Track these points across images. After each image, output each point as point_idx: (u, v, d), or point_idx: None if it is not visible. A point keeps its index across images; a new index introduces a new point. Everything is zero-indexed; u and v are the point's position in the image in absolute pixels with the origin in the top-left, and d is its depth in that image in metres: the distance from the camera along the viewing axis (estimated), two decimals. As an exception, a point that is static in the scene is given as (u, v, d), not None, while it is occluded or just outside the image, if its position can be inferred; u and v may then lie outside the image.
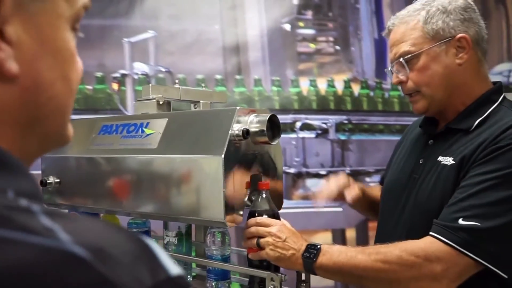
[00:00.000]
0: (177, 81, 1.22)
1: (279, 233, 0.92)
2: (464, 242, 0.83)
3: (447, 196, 0.93)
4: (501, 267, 0.84)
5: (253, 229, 0.94)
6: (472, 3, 1.02)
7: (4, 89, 0.31)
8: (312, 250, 0.91)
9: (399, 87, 1.10)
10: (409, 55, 0.99)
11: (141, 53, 2.00)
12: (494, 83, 1.04)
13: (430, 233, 0.87)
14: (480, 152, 0.90)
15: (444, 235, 0.84)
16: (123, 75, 1.98)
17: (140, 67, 1.99)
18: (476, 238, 0.83)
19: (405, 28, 1.00)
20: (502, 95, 1.01)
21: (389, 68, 1.08)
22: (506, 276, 0.84)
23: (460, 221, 0.84)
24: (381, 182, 1.31)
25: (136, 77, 2.00)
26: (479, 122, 0.96)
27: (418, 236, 0.95)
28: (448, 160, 0.96)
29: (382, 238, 1.09)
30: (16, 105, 0.32)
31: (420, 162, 1.04)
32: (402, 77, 1.02)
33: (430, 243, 0.85)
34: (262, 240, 0.91)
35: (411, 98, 1.04)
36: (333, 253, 0.91)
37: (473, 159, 0.91)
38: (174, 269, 0.29)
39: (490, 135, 0.91)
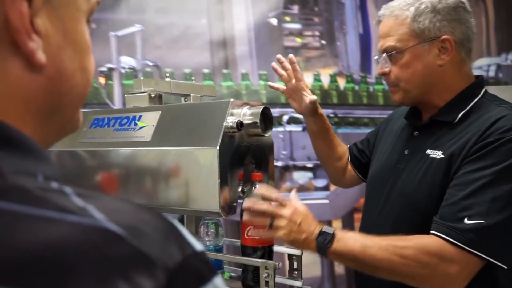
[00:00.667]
0: (167, 74, 1.23)
1: (294, 216, 0.92)
2: (473, 242, 0.86)
3: (436, 188, 0.96)
4: (503, 260, 0.87)
5: (268, 207, 0.93)
6: (464, 1, 1.03)
7: (32, 78, 0.32)
8: (326, 236, 0.92)
9: (383, 80, 1.14)
10: (394, 51, 1.02)
11: (128, 47, 1.99)
12: (477, 76, 1.07)
13: (438, 234, 0.89)
14: (470, 148, 0.92)
15: (454, 236, 0.87)
16: (110, 69, 1.97)
17: (127, 61, 1.98)
18: (482, 236, 0.86)
19: (394, 22, 1.02)
20: (484, 89, 1.04)
21: (376, 58, 1.12)
22: (506, 267, 0.88)
23: (466, 221, 0.86)
24: (349, 148, 1.35)
25: (123, 71, 1.99)
26: (463, 115, 0.99)
27: (404, 226, 0.98)
28: (437, 154, 0.98)
29: (367, 226, 1.12)
30: (41, 94, 0.33)
31: (405, 153, 1.07)
32: (386, 69, 1.06)
33: (442, 245, 0.87)
34: (277, 223, 0.91)
35: (390, 89, 1.09)
36: (347, 240, 0.91)
37: (463, 155, 0.93)
38: (198, 245, 0.31)
39: (478, 129, 0.94)
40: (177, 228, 0.31)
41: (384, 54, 1.03)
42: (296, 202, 0.96)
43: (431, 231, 0.90)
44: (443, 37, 0.98)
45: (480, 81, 1.05)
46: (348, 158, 1.35)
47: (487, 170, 0.89)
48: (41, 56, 0.32)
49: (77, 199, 0.28)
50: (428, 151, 1.00)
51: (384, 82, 2.27)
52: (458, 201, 0.89)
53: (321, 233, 0.92)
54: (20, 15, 0.31)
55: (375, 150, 1.24)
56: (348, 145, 1.38)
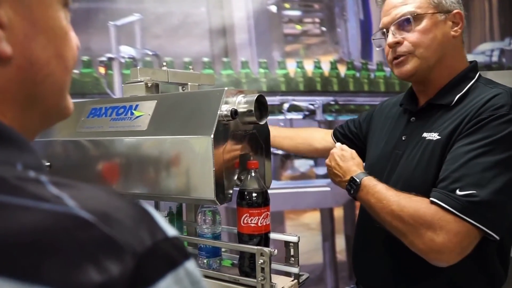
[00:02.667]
0: (164, 63, 1.23)
1: (334, 159, 1.13)
2: (465, 210, 0.87)
3: (432, 170, 0.97)
4: (496, 230, 0.88)
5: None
6: None
7: (0, 70, 0.33)
8: (353, 185, 1.05)
9: (385, 54, 1.12)
10: (415, 15, 1.02)
11: (128, 37, 1.99)
12: (470, 62, 1.09)
13: (433, 199, 0.91)
14: (464, 126, 0.94)
15: (447, 202, 0.88)
16: (110, 59, 1.97)
17: (126, 51, 1.98)
18: (474, 205, 0.87)
19: None
20: (478, 73, 1.07)
21: (379, 33, 1.11)
22: (498, 238, 0.89)
23: (458, 192, 0.88)
24: (335, 133, 1.40)
25: (123, 60, 1.99)
26: (459, 98, 1.01)
27: None
28: (433, 136, 0.99)
29: (365, 215, 1.13)
30: (13, 84, 0.34)
31: (403, 139, 1.08)
32: (399, 37, 1.04)
33: (436, 211, 0.89)
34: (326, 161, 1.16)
35: (399, 60, 1.06)
36: (369, 189, 1.02)
37: (457, 133, 0.94)
38: (171, 230, 0.31)
39: (472, 109, 0.95)
40: (150, 214, 0.31)
41: (409, 16, 1.03)
42: (339, 147, 1.14)
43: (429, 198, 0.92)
44: (456, 11, 1.04)
45: (474, 65, 1.08)
46: (332, 137, 1.41)
47: (477, 143, 0.90)
48: (5, 48, 0.32)
49: (52, 188, 0.29)
50: (425, 134, 1.02)
51: (385, 68, 2.26)
52: (449, 174, 0.91)
53: (351, 179, 1.06)
54: None
55: (370, 137, 1.25)
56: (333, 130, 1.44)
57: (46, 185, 0.29)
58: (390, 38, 1.06)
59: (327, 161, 1.14)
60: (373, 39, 1.16)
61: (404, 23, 1.03)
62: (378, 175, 1.10)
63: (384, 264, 1.08)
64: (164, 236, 0.30)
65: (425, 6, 1.03)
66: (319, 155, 1.52)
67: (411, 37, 1.03)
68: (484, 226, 0.87)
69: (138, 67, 1.14)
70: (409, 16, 1.03)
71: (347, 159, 1.10)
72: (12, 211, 0.27)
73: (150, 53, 2.00)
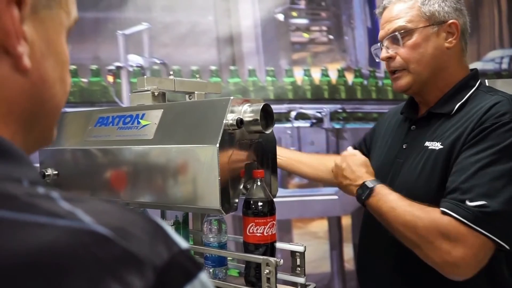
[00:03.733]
0: (171, 72, 1.23)
1: (343, 162, 1.09)
2: (478, 220, 0.85)
3: (435, 179, 0.96)
4: (507, 240, 0.87)
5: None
6: None
7: (17, 81, 0.34)
8: (365, 189, 1.02)
9: (386, 66, 1.12)
10: (404, 31, 1.02)
11: (136, 45, 2.01)
12: (471, 70, 1.08)
13: (444, 209, 0.89)
14: (467, 135, 0.93)
15: (459, 213, 0.87)
16: (118, 68, 1.99)
17: (134, 59, 2.00)
18: (486, 215, 0.85)
19: (402, 6, 1.04)
20: (479, 81, 1.06)
21: (379, 45, 1.11)
22: (509, 248, 0.88)
23: (468, 203, 0.86)
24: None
25: (131, 69, 2.01)
26: (459, 106, 1.01)
27: None
28: (435, 145, 0.99)
29: (370, 220, 1.12)
30: (24, 98, 0.35)
31: (404, 147, 1.08)
32: (391, 52, 1.04)
33: (449, 222, 0.88)
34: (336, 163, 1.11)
35: (394, 75, 1.07)
36: (381, 198, 0.99)
37: (461, 143, 0.94)
38: (183, 243, 0.32)
39: (474, 117, 0.94)
40: (162, 227, 0.31)
41: (396, 33, 1.03)
42: (352, 151, 1.12)
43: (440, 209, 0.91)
44: (451, 21, 1.02)
45: (475, 73, 1.07)
46: None
47: (484, 152, 0.89)
48: (27, 61, 0.33)
49: (65, 203, 0.29)
50: (427, 143, 1.01)
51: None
52: (458, 186, 0.90)
53: (363, 185, 1.02)
54: (12, 19, 0.32)
55: (372, 149, 1.25)
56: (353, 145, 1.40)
57: (58, 201, 0.30)
58: (384, 53, 1.07)
59: (337, 161, 1.11)
60: (373, 51, 1.17)
61: (396, 38, 1.04)
62: None
63: (388, 271, 1.07)
64: (179, 249, 0.31)
65: (416, 20, 1.02)
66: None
67: (402, 52, 1.04)
68: (497, 237, 0.86)
69: (145, 76, 1.15)
70: (397, 33, 1.03)
71: (361, 165, 1.08)
72: (28, 229, 0.27)
73: (158, 61, 2.02)
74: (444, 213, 0.89)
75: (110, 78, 1.98)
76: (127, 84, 2.00)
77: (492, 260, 0.94)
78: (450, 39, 1.03)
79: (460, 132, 0.95)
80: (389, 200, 0.97)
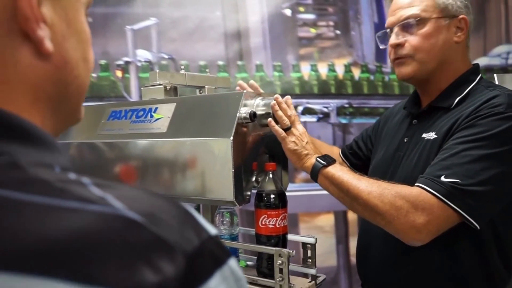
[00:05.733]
0: (182, 67, 1.25)
1: (304, 135, 1.02)
2: (449, 195, 0.87)
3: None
4: (477, 218, 0.89)
5: (288, 110, 1.00)
6: None
7: (40, 67, 0.33)
8: (328, 159, 1.00)
9: (388, 53, 1.12)
10: (418, 18, 1.02)
11: (144, 40, 2.02)
12: (473, 64, 1.09)
13: (418, 184, 0.91)
14: (460, 122, 0.95)
15: (432, 186, 0.89)
16: (127, 63, 2.00)
17: (143, 54, 2.01)
18: (457, 192, 0.87)
19: None
20: (479, 76, 1.07)
21: (385, 31, 1.11)
22: (478, 227, 0.90)
23: (442, 178, 0.88)
24: (343, 152, 1.37)
25: (139, 64, 2.02)
26: (459, 100, 1.02)
27: None
28: (431, 135, 1.00)
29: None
30: (49, 83, 0.34)
31: (405, 141, 1.09)
32: (401, 39, 1.05)
33: (419, 193, 0.89)
34: (292, 131, 1.01)
35: (399, 61, 1.07)
36: (342, 168, 0.99)
37: (454, 129, 0.96)
38: (212, 229, 0.32)
39: (470, 109, 0.96)
40: (192, 214, 0.32)
41: (411, 20, 1.03)
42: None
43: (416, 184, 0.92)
44: (461, 16, 1.03)
45: (476, 68, 1.08)
46: (341, 156, 1.37)
47: (471, 136, 0.91)
48: (49, 44, 0.33)
49: (95, 189, 0.29)
50: (424, 135, 1.03)
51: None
52: (438, 162, 0.92)
53: (324, 156, 1.01)
54: (29, 4, 0.31)
55: (375, 144, 1.26)
56: (341, 148, 1.41)
57: (89, 187, 0.29)
58: (393, 39, 1.06)
59: (293, 140, 1.00)
60: (378, 37, 1.17)
61: (408, 25, 1.04)
62: (381, 177, 1.11)
63: (385, 262, 1.08)
64: (208, 235, 0.31)
65: (431, 10, 1.03)
66: None
67: (413, 40, 1.04)
68: (465, 212, 0.87)
69: (157, 71, 1.16)
70: (412, 20, 1.03)
71: (311, 139, 1.06)
72: (61, 214, 0.27)
73: (166, 56, 2.03)
74: (418, 186, 0.91)
75: (119, 73, 1.99)
76: (136, 79, 2.01)
77: (485, 249, 0.96)
78: (459, 34, 1.04)
79: (454, 121, 0.97)
80: (351, 172, 0.98)
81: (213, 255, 0.30)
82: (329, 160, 1.00)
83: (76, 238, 0.26)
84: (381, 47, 1.17)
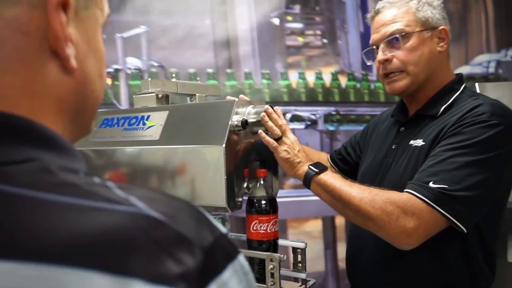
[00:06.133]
0: (173, 75, 1.26)
1: (296, 143, 1.04)
2: (438, 200, 0.91)
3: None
4: (464, 223, 0.93)
5: (279, 120, 1.03)
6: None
7: (65, 81, 0.37)
8: (320, 166, 1.03)
9: (376, 69, 1.16)
10: (403, 33, 1.06)
11: (134, 48, 2.03)
12: (456, 74, 1.14)
13: (407, 190, 0.94)
14: (446, 130, 0.99)
15: (421, 192, 0.92)
16: (116, 70, 2.01)
17: (133, 62, 2.02)
18: (445, 197, 0.91)
19: (397, 11, 1.09)
20: (463, 85, 1.11)
21: (371, 48, 1.14)
22: (465, 231, 0.93)
23: (431, 184, 0.92)
24: (332, 157, 1.40)
25: (129, 71, 2.03)
26: (444, 108, 1.06)
27: None
28: (418, 142, 1.04)
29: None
30: (71, 96, 0.38)
31: (393, 148, 1.13)
32: (389, 55, 1.09)
33: (409, 198, 0.93)
34: (283, 140, 1.04)
35: (390, 78, 1.11)
36: (334, 175, 1.02)
37: (440, 136, 0.99)
38: (223, 228, 0.35)
39: (455, 117, 1.00)
40: (204, 214, 0.35)
41: (397, 35, 1.07)
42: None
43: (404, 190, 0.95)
44: (442, 27, 1.08)
45: (459, 78, 1.13)
46: (329, 161, 1.40)
47: (457, 144, 0.95)
48: (73, 61, 0.36)
49: (119, 191, 0.32)
50: (411, 142, 1.07)
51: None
52: (426, 169, 0.95)
53: (316, 163, 1.04)
54: (61, 24, 0.35)
55: (364, 151, 1.29)
56: (329, 153, 1.44)
57: (114, 189, 0.33)
58: (380, 55, 1.10)
59: (285, 149, 1.03)
60: (363, 54, 1.21)
61: (393, 41, 1.08)
62: (370, 183, 1.14)
63: (375, 266, 1.10)
64: (220, 233, 0.34)
65: (413, 24, 1.07)
66: None
67: (400, 55, 1.08)
68: (453, 217, 0.91)
69: (149, 79, 1.17)
70: (397, 35, 1.07)
71: (302, 148, 1.08)
72: (92, 213, 0.30)
73: (156, 64, 2.04)
74: (407, 192, 0.94)
75: (109, 81, 1.99)
76: (126, 87, 2.02)
77: (471, 253, 1.00)
78: (441, 44, 1.09)
79: (441, 129, 1.01)
80: (343, 178, 1.01)
81: (225, 250, 0.33)
82: (321, 168, 1.02)
83: (107, 234, 0.29)
84: (368, 63, 1.20)
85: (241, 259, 0.34)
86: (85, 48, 0.38)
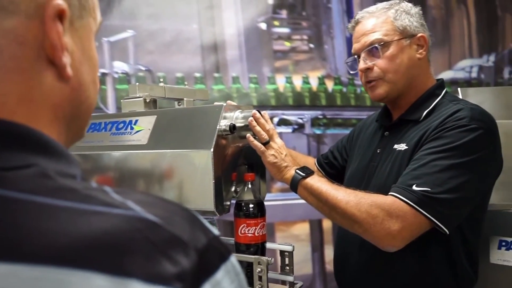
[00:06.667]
0: (161, 80, 1.27)
1: (283, 147, 1.06)
2: (421, 203, 0.93)
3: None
4: (446, 224, 0.95)
5: (266, 125, 1.05)
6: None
7: (61, 88, 0.38)
8: (306, 171, 1.04)
9: (359, 77, 1.18)
10: (382, 43, 1.09)
11: (121, 52, 2.03)
12: (437, 80, 1.17)
13: (391, 193, 0.96)
14: (428, 134, 1.02)
15: (405, 195, 0.94)
16: (103, 74, 2.00)
17: (120, 66, 2.02)
18: (428, 200, 0.93)
19: (376, 21, 1.12)
20: (444, 90, 1.14)
21: (353, 58, 1.17)
22: (448, 232, 0.96)
23: (414, 187, 0.94)
24: (319, 161, 1.42)
25: (116, 76, 2.03)
26: (426, 113, 1.09)
27: None
28: (402, 146, 1.07)
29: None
30: (66, 103, 0.39)
31: (378, 152, 1.15)
32: (370, 64, 1.11)
33: (393, 201, 0.95)
34: (270, 144, 1.05)
35: (371, 84, 1.13)
36: (320, 179, 1.03)
37: (422, 140, 1.02)
38: (215, 230, 0.37)
39: (436, 122, 1.03)
40: (198, 217, 0.36)
41: (377, 45, 1.09)
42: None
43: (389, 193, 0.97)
44: (420, 34, 1.11)
45: (441, 83, 1.16)
46: (316, 165, 1.41)
47: (439, 148, 0.97)
48: (69, 70, 0.38)
49: (116, 196, 0.34)
50: (395, 146, 1.09)
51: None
52: (409, 172, 0.98)
53: (302, 167, 1.05)
54: (57, 34, 0.36)
55: (350, 155, 1.31)
56: (316, 158, 1.46)
57: (111, 194, 0.34)
58: (362, 64, 1.13)
59: (272, 153, 1.05)
60: (346, 63, 1.23)
61: (373, 50, 1.11)
62: (356, 186, 1.16)
63: (362, 268, 1.12)
64: (213, 234, 0.35)
65: (391, 33, 1.09)
66: None
67: (380, 63, 1.10)
68: (436, 219, 0.94)
69: (137, 84, 1.17)
70: (376, 45, 1.10)
71: (289, 152, 1.10)
72: (90, 216, 0.31)
73: (143, 68, 2.04)
74: (392, 195, 0.97)
75: (95, 85, 1.98)
76: (113, 91, 2.01)
77: (454, 254, 1.02)
78: (420, 51, 1.11)
79: (423, 133, 1.04)
80: (329, 182, 1.03)
81: (218, 251, 0.35)
82: (307, 172, 1.04)
83: (106, 237, 0.30)
84: (351, 72, 1.23)
85: (233, 259, 0.36)
86: (80, 56, 0.39)
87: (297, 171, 1.04)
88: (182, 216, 0.35)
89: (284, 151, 1.06)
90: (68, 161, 0.36)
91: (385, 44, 1.09)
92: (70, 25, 0.38)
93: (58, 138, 0.38)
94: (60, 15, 0.36)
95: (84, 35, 0.40)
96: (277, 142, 1.06)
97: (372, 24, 1.11)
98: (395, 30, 1.09)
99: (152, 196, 0.36)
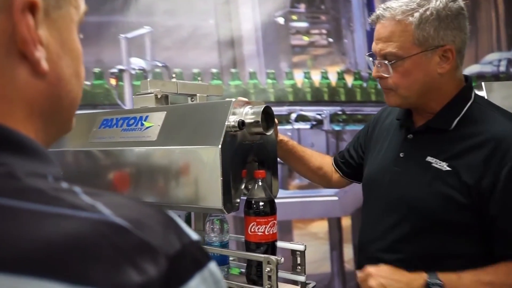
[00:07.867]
0: (174, 75, 1.26)
1: (375, 284, 0.98)
2: None
3: (450, 200, 0.99)
4: None
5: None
6: (464, 7, 1.01)
7: (36, 84, 0.36)
8: (435, 285, 0.95)
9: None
10: (395, 60, 0.99)
11: (138, 49, 2.04)
12: (466, 78, 1.07)
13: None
14: (495, 177, 0.95)
15: None
16: (121, 71, 2.02)
17: (137, 62, 2.03)
18: None
19: (396, 27, 0.99)
20: (473, 93, 1.06)
21: (371, 59, 1.09)
22: None
23: None
24: (335, 161, 1.37)
25: (133, 72, 2.04)
26: (458, 122, 1.01)
27: (405, 226, 1.03)
28: (441, 165, 1.00)
29: (367, 227, 1.15)
30: (43, 99, 0.37)
31: (401, 156, 1.08)
32: (383, 73, 1.03)
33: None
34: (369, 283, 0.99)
35: (385, 91, 1.07)
36: (451, 277, 0.96)
37: (488, 182, 0.95)
38: (194, 235, 0.34)
39: (481, 143, 0.97)
40: (175, 220, 0.34)
41: (386, 61, 1.01)
42: (375, 269, 1.00)
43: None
44: (446, 46, 0.98)
45: (469, 84, 1.07)
46: (333, 165, 1.37)
47: None
48: (44, 64, 0.36)
49: (86, 197, 0.32)
50: (429, 159, 1.02)
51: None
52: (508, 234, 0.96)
53: (428, 285, 0.95)
54: (27, 27, 0.34)
55: (367, 151, 1.26)
56: (333, 155, 1.41)
57: (80, 195, 0.32)
58: (375, 71, 1.05)
59: (373, 284, 0.98)
60: (367, 56, 1.16)
61: (386, 62, 1.01)
62: (376, 190, 1.11)
63: (384, 252, 1.08)
64: (190, 240, 0.33)
65: (408, 47, 0.98)
66: (321, 180, 1.40)
67: (393, 77, 1.02)
68: None
69: (148, 79, 1.17)
70: (386, 62, 1.00)
71: (395, 272, 1.00)
72: (54, 220, 0.29)
73: (160, 64, 2.05)
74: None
75: (113, 81, 2.00)
76: (130, 87, 2.02)
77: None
78: (443, 65, 0.99)
79: (473, 159, 0.97)
80: (463, 283, 0.97)
81: (194, 258, 0.33)
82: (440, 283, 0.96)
83: (68, 242, 0.28)
84: (372, 67, 1.16)
85: (212, 266, 0.34)
86: (58, 49, 0.37)
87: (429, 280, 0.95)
88: (156, 219, 0.33)
89: (383, 273, 0.99)
90: (43, 160, 0.35)
91: (400, 59, 0.99)
92: (46, 16, 0.36)
93: (35, 135, 0.36)
94: (31, 7, 0.34)
95: (63, 26, 0.38)
96: (371, 272, 0.99)
97: (390, 30, 1.00)
98: (413, 42, 0.97)
99: (126, 198, 0.34)
